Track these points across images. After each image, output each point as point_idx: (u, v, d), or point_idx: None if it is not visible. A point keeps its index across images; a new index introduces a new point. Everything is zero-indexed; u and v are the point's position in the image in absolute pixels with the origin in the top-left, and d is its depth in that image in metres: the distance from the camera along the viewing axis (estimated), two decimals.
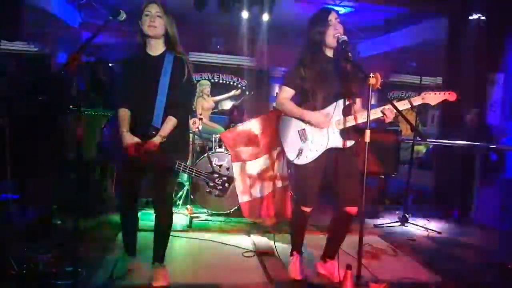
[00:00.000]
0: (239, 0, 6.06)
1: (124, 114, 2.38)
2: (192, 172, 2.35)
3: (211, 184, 2.35)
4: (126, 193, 2.57)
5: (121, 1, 2.44)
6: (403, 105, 2.39)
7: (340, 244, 2.72)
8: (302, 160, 2.55)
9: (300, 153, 2.54)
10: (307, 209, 2.64)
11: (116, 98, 2.44)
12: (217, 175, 2.33)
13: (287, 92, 2.58)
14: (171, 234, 2.59)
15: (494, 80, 5.36)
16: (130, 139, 2.31)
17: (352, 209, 2.57)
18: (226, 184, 2.34)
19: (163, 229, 2.56)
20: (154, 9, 2.32)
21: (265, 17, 6.51)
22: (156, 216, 2.53)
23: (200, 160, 4.24)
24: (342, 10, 6.06)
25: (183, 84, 2.40)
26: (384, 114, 2.39)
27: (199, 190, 4.14)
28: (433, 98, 2.41)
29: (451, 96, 2.42)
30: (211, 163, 4.07)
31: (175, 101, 2.38)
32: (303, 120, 2.55)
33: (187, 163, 2.40)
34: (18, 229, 3.22)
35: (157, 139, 2.32)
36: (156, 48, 2.41)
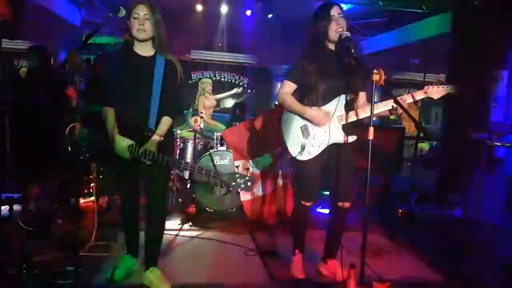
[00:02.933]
0: None
1: (112, 114, 2.35)
2: (211, 173, 2.27)
3: (233, 184, 2.24)
4: (126, 193, 2.56)
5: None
6: (406, 99, 2.37)
7: (339, 242, 2.70)
8: (304, 156, 2.53)
9: (302, 149, 2.52)
10: (307, 204, 2.64)
11: (102, 96, 2.40)
12: (238, 175, 2.26)
13: (289, 87, 2.56)
14: (172, 233, 2.57)
15: (498, 77, 5.31)
16: (122, 141, 2.28)
17: (345, 204, 2.59)
18: (249, 183, 2.25)
19: (156, 233, 2.53)
20: (142, 11, 2.25)
21: (268, 14, 6.47)
22: (149, 219, 2.49)
23: (202, 158, 4.21)
24: (344, 7, 6.03)
25: (176, 87, 2.39)
26: (395, 105, 2.35)
27: (201, 188, 4.12)
28: (436, 91, 2.39)
29: (453, 89, 2.39)
30: (213, 161, 4.05)
31: (168, 103, 2.37)
32: (303, 117, 2.53)
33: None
34: (19, 229, 3.20)
35: (156, 139, 2.30)
36: (146, 49, 2.37)
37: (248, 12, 6.48)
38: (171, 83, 2.36)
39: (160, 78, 2.32)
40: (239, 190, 2.29)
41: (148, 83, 2.31)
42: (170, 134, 2.48)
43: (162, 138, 2.33)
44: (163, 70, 2.33)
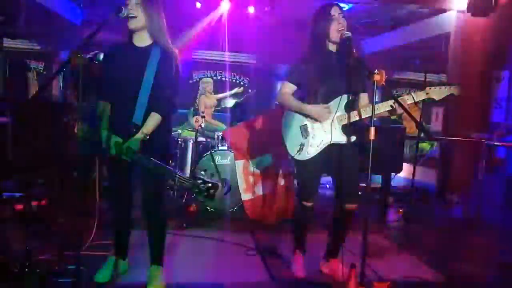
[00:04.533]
0: None
1: (104, 109, 2.29)
2: (175, 178, 2.17)
3: (196, 190, 2.14)
4: (116, 192, 2.45)
5: None
6: (406, 100, 2.36)
7: (342, 242, 2.70)
8: (303, 156, 2.53)
9: (301, 148, 2.52)
10: (308, 204, 2.64)
11: (98, 91, 2.33)
12: (201, 181, 2.15)
13: (289, 87, 2.56)
14: (174, 232, 2.53)
15: (499, 78, 5.31)
16: (110, 138, 2.20)
17: (351, 206, 2.57)
18: (211, 191, 2.15)
19: (154, 232, 2.45)
20: None
21: (268, 14, 6.45)
22: (147, 218, 2.42)
23: (203, 157, 4.22)
24: (345, 7, 6.02)
25: (170, 80, 2.26)
26: (394, 106, 2.35)
27: None
28: (438, 92, 2.35)
29: (456, 90, 2.35)
30: (213, 161, 4.05)
31: (160, 97, 2.23)
32: (303, 114, 2.53)
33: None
34: (21, 227, 3.21)
35: (138, 137, 2.17)
36: (142, 39, 2.28)
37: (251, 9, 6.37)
38: (164, 76, 2.23)
39: (153, 70, 2.20)
40: (202, 196, 2.18)
41: (138, 74, 2.21)
42: (163, 134, 2.33)
43: (147, 137, 2.20)
44: (157, 61, 2.22)
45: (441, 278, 2.87)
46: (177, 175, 2.16)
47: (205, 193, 2.14)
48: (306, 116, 2.53)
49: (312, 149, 2.52)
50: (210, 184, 2.14)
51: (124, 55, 2.29)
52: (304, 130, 2.55)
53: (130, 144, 2.16)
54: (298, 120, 2.57)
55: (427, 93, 2.35)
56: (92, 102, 2.41)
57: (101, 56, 2.23)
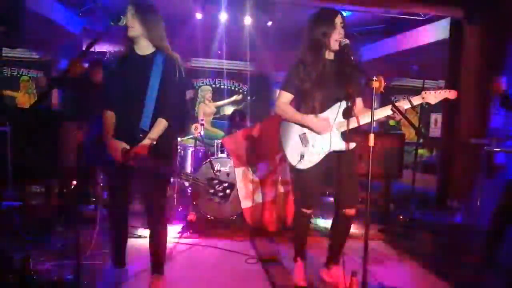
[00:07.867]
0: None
1: (109, 117, 2.31)
2: (190, 179, 2.24)
3: (211, 191, 2.22)
4: (115, 200, 2.45)
5: (122, 6, 2.43)
6: (403, 105, 2.38)
7: (342, 249, 2.68)
8: (304, 165, 2.52)
9: (302, 157, 2.51)
10: (308, 211, 2.63)
11: (101, 100, 2.35)
12: (217, 181, 2.22)
13: (286, 97, 2.55)
14: (173, 240, 2.53)
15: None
16: (116, 144, 2.23)
17: (350, 211, 2.58)
18: (228, 191, 2.21)
19: (156, 240, 2.46)
20: (129, 11, 2.25)
21: (267, 22, 6.49)
22: (149, 226, 2.43)
23: (202, 165, 4.21)
24: (344, 14, 6.05)
25: (175, 85, 2.31)
26: (394, 112, 2.35)
27: (202, 196, 4.11)
28: (433, 96, 2.41)
29: (451, 94, 2.42)
30: (213, 169, 4.05)
31: (166, 103, 2.28)
32: (304, 126, 2.52)
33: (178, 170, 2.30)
34: (19, 236, 3.19)
35: (146, 142, 2.22)
36: (143, 47, 2.32)
37: (248, 20, 6.39)
38: (169, 82, 2.28)
39: (157, 77, 2.25)
40: (218, 197, 2.22)
41: (143, 82, 2.25)
42: (167, 140, 2.35)
43: (154, 142, 2.23)
44: (163, 67, 2.27)
45: (442, 284, 2.85)
46: (191, 177, 2.19)
47: (221, 193, 2.16)
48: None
49: (313, 158, 2.52)
50: (226, 184, 2.16)
51: (127, 63, 2.32)
52: (303, 139, 2.54)
53: (138, 149, 2.19)
54: (296, 129, 2.55)
55: (423, 97, 2.42)
56: (94, 110, 2.41)
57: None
